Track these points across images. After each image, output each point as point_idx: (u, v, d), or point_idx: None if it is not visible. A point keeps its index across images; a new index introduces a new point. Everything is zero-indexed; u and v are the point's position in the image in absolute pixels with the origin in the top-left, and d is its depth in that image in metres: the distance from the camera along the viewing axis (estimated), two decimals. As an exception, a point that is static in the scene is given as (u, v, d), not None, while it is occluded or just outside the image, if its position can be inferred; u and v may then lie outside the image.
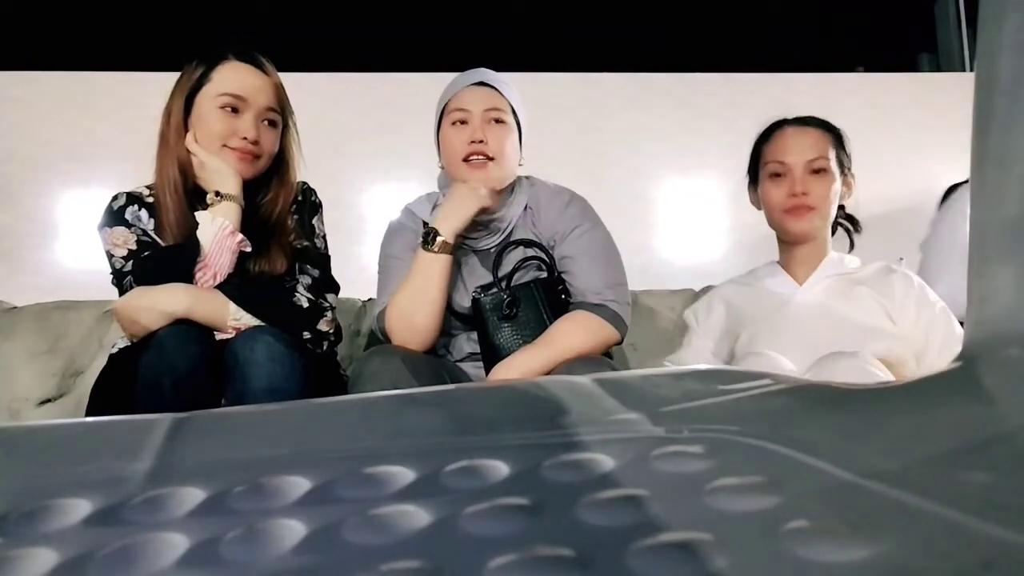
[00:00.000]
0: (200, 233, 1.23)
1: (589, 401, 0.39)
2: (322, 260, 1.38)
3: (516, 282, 1.36)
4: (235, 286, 1.22)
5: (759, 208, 1.46)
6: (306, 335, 1.26)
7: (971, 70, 1.41)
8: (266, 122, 1.31)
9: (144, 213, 1.30)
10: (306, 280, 1.33)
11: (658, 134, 4.22)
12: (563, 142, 4.03)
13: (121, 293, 1.23)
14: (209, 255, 1.22)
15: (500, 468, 0.31)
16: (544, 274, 1.37)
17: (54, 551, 0.26)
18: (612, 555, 0.24)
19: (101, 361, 1.33)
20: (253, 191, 1.34)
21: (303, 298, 1.28)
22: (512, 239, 1.39)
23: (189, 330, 1.12)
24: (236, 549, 0.26)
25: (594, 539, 0.25)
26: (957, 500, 0.25)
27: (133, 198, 1.31)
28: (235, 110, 1.27)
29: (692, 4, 5.42)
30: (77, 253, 3.81)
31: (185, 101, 1.29)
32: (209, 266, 1.22)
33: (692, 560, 0.23)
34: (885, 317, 1.31)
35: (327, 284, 1.37)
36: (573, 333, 1.25)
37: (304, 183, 1.43)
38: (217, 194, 1.26)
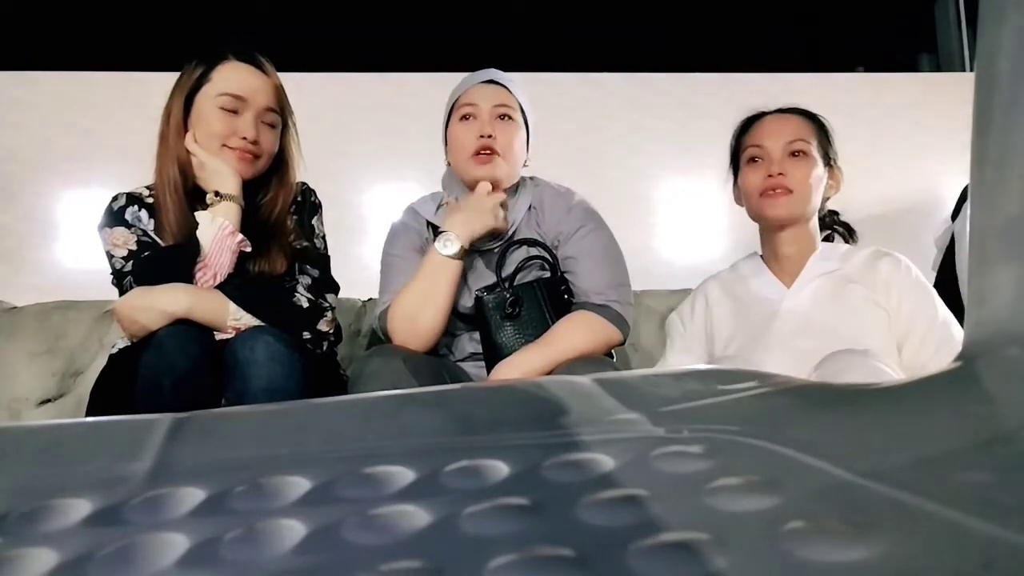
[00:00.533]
0: (200, 233, 1.23)
1: (589, 401, 0.39)
2: (322, 260, 1.38)
3: (519, 281, 1.36)
4: (235, 286, 1.22)
5: (741, 204, 1.43)
6: (306, 335, 1.26)
7: (971, 70, 1.41)
8: (266, 122, 1.31)
9: (144, 213, 1.30)
10: (306, 280, 1.33)
11: (658, 134, 4.22)
12: (563, 142, 4.02)
13: (121, 293, 1.23)
14: (209, 255, 1.22)
15: (500, 468, 0.31)
16: (547, 274, 1.37)
17: (54, 551, 0.26)
18: (612, 555, 0.24)
19: (101, 361, 1.33)
20: (253, 191, 1.34)
21: (303, 298, 1.28)
22: (516, 239, 1.39)
23: (189, 330, 1.12)
24: (236, 549, 0.26)
25: (594, 539, 0.25)
26: (957, 500, 0.25)
27: (133, 198, 1.31)
28: (235, 110, 1.27)
29: (692, 4, 5.42)
30: (77, 253, 3.81)
31: (185, 101, 1.29)
32: (209, 266, 1.22)
33: (692, 560, 0.23)
34: (878, 318, 1.27)
35: (327, 284, 1.37)
36: (575, 333, 1.25)
37: (304, 183, 1.44)
38: (217, 194, 1.26)
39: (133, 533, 0.27)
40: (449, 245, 1.27)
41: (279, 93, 1.34)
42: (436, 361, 1.32)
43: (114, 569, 0.25)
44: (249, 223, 1.29)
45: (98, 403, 1.17)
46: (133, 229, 1.28)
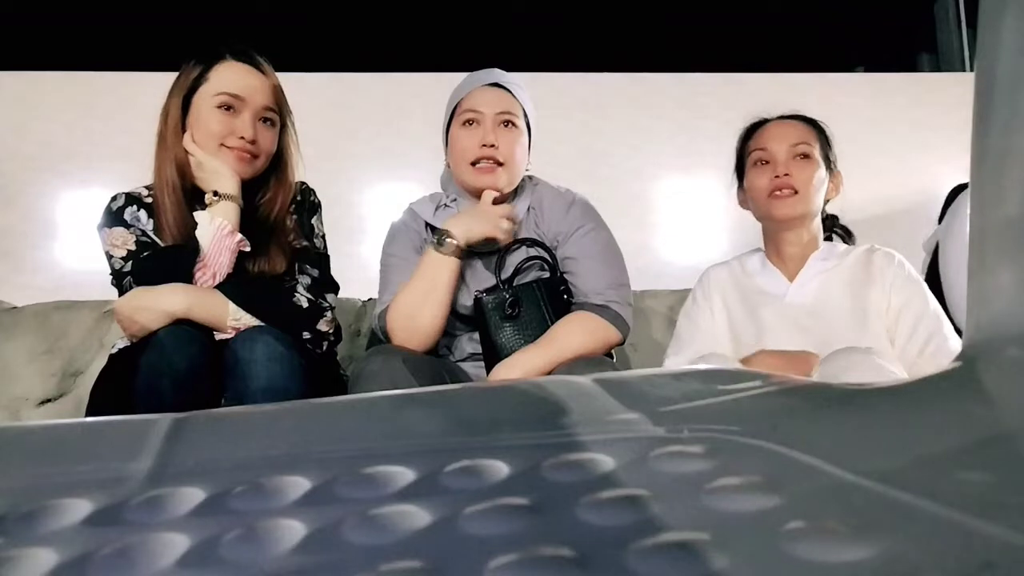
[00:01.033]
0: (199, 233, 1.23)
1: (589, 401, 0.39)
2: (321, 260, 1.38)
3: (518, 282, 1.36)
4: (234, 286, 1.22)
5: (746, 207, 1.48)
6: (306, 335, 1.26)
7: (971, 70, 1.41)
8: (264, 121, 1.31)
9: (143, 213, 1.30)
10: (306, 280, 1.33)
11: (658, 134, 4.22)
12: (563, 142, 4.02)
13: (121, 293, 1.23)
14: (208, 255, 1.22)
15: (500, 468, 0.31)
16: (547, 274, 1.37)
17: (54, 551, 0.26)
18: (612, 555, 0.24)
19: (101, 361, 1.33)
20: (252, 191, 1.33)
21: (303, 298, 1.28)
22: (515, 239, 1.39)
23: (189, 330, 1.12)
24: (236, 549, 0.26)
25: (594, 539, 0.25)
26: (957, 500, 0.25)
27: (132, 198, 1.31)
28: (232, 109, 1.27)
29: (692, 4, 5.42)
30: (77, 253, 3.81)
31: (183, 101, 1.29)
32: (208, 266, 1.22)
33: (692, 560, 0.23)
34: (874, 311, 1.32)
35: (327, 284, 1.37)
36: (575, 333, 1.25)
37: (303, 183, 1.43)
38: (216, 194, 1.25)
39: (133, 533, 0.27)
40: (446, 243, 1.27)
41: (277, 92, 1.34)
42: (436, 361, 1.32)
43: (114, 569, 0.25)
44: (248, 223, 1.29)
45: (98, 403, 1.17)
46: (132, 229, 1.28)
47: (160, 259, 1.24)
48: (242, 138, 1.27)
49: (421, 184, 3.61)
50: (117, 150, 3.80)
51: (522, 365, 1.21)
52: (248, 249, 1.27)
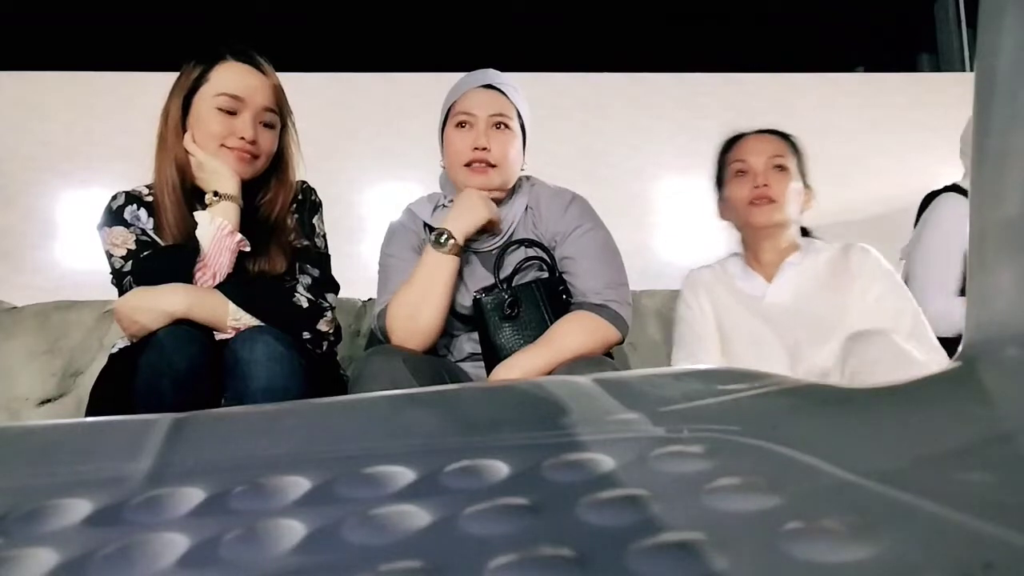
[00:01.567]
0: (199, 233, 1.22)
1: (589, 401, 0.39)
2: (322, 260, 1.38)
3: (517, 282, 1.36)
4: (235, 286, 1.22)
5: (725, 218, 1.55)
6: (306, 335, 1.26)
7: (971, 70, 1.41)
8: (264, 122, 1.31)
9: (143, 213, 1.30)
10: (306, 280, 1.33)
11: (658, 134, 4.22)
12: (563, 142, 4.03)
13: (121, 293, 1.23)
14: (208, 255, 1.22)
15: (500, 468, 0.31)
16: (545, 274, 1.37)
17: (54, 551, 0.26)
18: (612, 555, 0.24)
19: (101, 361, 1.33)
20: (252, 191, 1.33)
21: (303, 298, 1.28)
22: (513, 240, 1.39)
23: (189, 330, 1.12)
24: (236, 549, 0.26)
25: (594, 539, 0.25)
26: (957, 500, 0.25)
27: (132, 198, 1.31)
28: (233, 111, 1.27)
29: (692, 4, 5.42)
30: (77, 253, 3.81)
31: (183, 101, 1.29)
32: (208, 266, 1.22)
33: (692, 560, 0.23)
34: (855, 307, 1.38)
35: (327, 284, 1.37)
36: (574, 333, 1.25)
37: (304, 182, 1.43)
38: (216, 194, 1.25)
39: (133, 533, 0.27)
40: (445, 242, 1.28)
41: (277, 93, 1.34)
42: (436, 361, 1.32)
43: (114, 569, 0.25)
44: (248, 223, 1.29)
45: (98, 403, 1.17)
46: (132, 228, 1.28)
47: (160, 259, 1.24)
48: (242, 139, 1.27)
49: (421, 184, 3.62)
50: (117, 150, 3.80)
51: (522, 365, 1.21)
52: (248, 249, 1.27)
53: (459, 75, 1.43)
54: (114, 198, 1.31)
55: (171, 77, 1.33)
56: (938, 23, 5.36)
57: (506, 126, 1.35)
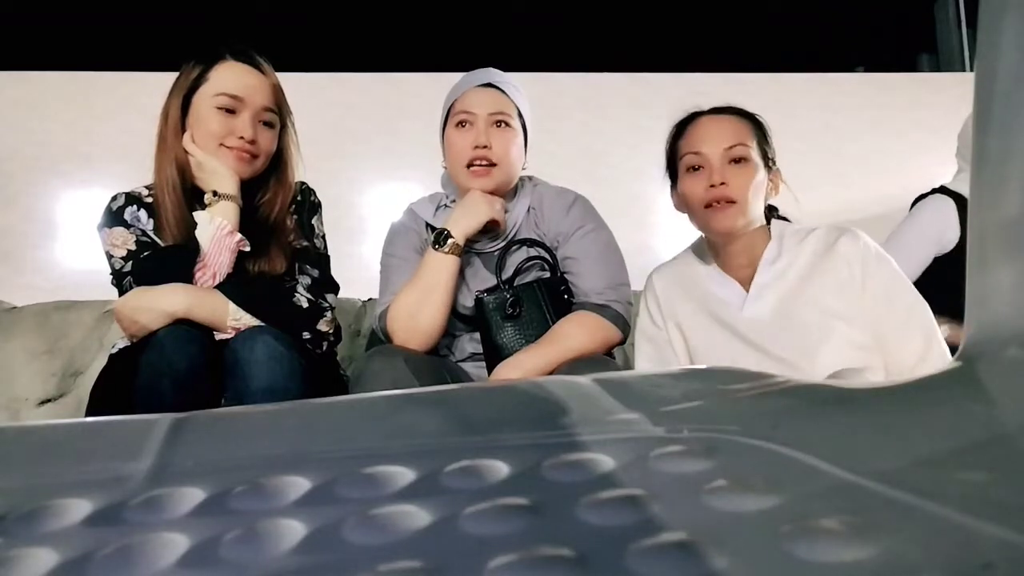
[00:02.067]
0: (198, 233, 1.23)
1: (589, 401, 0.39)
2: (322, 260, 1.38)
3: (519, 282, 1.36)
4: (235, 286, 1.22)
5: (682, 210, 1.35)
6: (306, 335, 1.26)
7: (971, 70, 1.40)
8: (263, 122, 1.31)
9: (143, 213, 1.30)
10: (306, 280, 1.33)
11: (658, 134, 4.22)
12: (563, 142, 4.03)
13: (121, 293, 1.23)
14: (208, 255, 1.22)
15: (500, 468, 0.31)
16: (547, 274, 1.37)
17: (54, 551, 0.26)
18: (612, 555, 0.24)
19: (101, 361, 1.33)
20: (252, 191, 1.34)
21: (303, 298, 1.28)
22: (515, 240, 1.39)
23: (189, 330, 1.12)
24: (236, 549, 0.26)
25: (594, 539, 0.25)
26: (957, 500, 0.25)
27: (132, 198, 1.31)
28: (232, 110, 1.27)
29: (692, 4, 5.42)
30: (77, 253, 3.81)
31: (182, 101, 1.29)
32: (208, 266, 1.22)
33: (692, 560, 0.23)
34: (843, 312, 1.19)
35: (327, 284, 1.37)
36: (575, 333, 1.25)
37: (303, 183, 1.44)
38: (215, 194, 1.26)
39: (133, 533, 0.27)
40: (446, 242, 1.28)
41: (277, 92, 1.34)
42: (437, 361, 1.32)
43: (114, 569, 0.25)
44: (248, 223, 1.29)
45: (98, 403, 1.17)
46: (132, 229, 1.28)
47: (160, 259, 1.24)
48: (241, 138, 1.27)
49: (421, 184, 3.62)
50: (117, 150, 3.81)
51: (523, 365, 1.21)
52: (248, 249, 1.27)
53: (459, 75, 1.43)
54: (114, 199, 1.31)
55: (171, 77, 1.33)
56: (938, 23, 5.37)
57: (507, 124, 1.35)
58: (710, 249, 1.35)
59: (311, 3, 5.15)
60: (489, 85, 1.37)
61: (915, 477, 0.28)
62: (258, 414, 0.44)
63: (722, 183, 1.22)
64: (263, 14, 4.95)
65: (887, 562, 0.22)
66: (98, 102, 3.99)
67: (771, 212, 1.36)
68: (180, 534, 0.27)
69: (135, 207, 1.30)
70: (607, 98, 4.31)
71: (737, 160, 1.23)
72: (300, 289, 1.30)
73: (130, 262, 1.25)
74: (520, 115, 1.39)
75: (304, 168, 1.42)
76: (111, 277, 1.28)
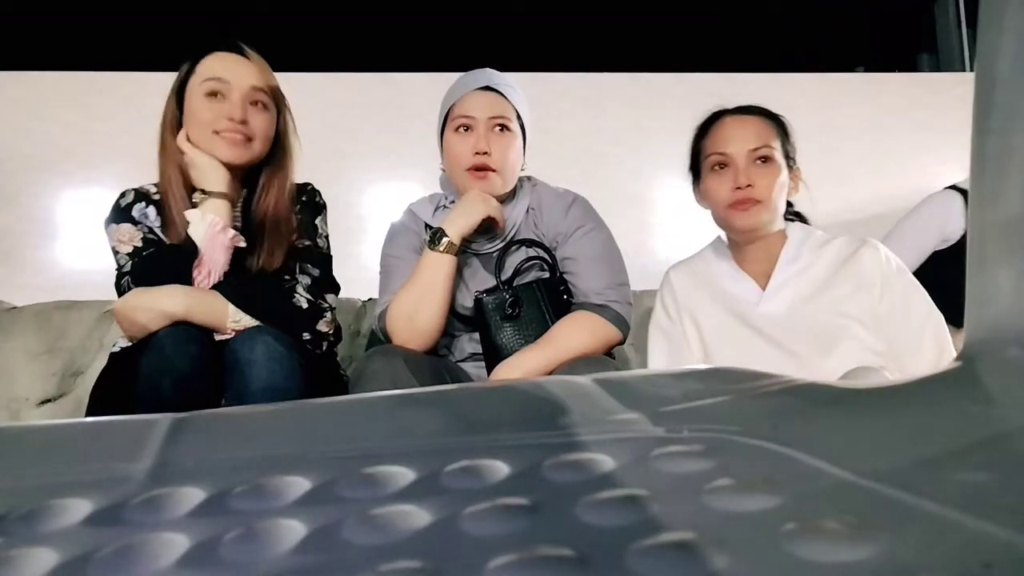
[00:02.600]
0: (191, 231, 1.22)
1: (589, 401, 0.39)
2: (323, 260, 1.38)
3: (518, 282, 1.36)
4: (234, 287, 1.22)
5: (704, 205, 1.37)
6: (305, 336, 1.26)
7: (971, 70, 1.41)
8: (256, 104, 1.31)
9: (152, 210, 1.30)
10: (306, 280, 1.33)
11: (658, 134, 4.22)
12: (563, 142, 4.03)
13: (120, 293, 1.23)
14: (203, 253, 1.22)
15: (500, 468, 0.31)
16: (546, 274, 1.37)
17: (54, 551, 0.26)
18: (612, 555, 0.24)
19: (101, 361, 1.34)
20: (251, 184, 1.34)
21: (302, 299, 1.28)
22: (515, 240, 1.39)
23: (189, 331, 1.12)
24: (236, 549, 0.26)
25: (594, 539, 0.25)
26: (957, 500, 0.25)
27: (141, 195, 1.31)
28: (220, 94, 1.27)
29: (692, 4, 5.42)
30: (77, 253, 3.81)
31: (177, 100, 1.30)
32: (204, 264, 1.22)
33: (692, 560, 0.23)
34: (859, 316, 1.20)
35: (327, 284, 1.37)
36: (575, 333, 1.25)
37: (309, 184, 1.44)
38: (204, 192, 1.26)
39: (133, 533, 0.27)
40: (440, 242, 1.28)
41: (266, 74, 1.33)
42: (437, 361, 1.32)
43: (114, 569, 0.25)
44: (248, 216, 1.29)
45: (98, 403, 1.17)
46: (139, 226, 1.28)
47: (158, 260, 1.24)
48: (231, 119, 1.27)
49: (421, 184, 3.62)
50: (117, 150, 3.80)
51: (523, 365, 1.21)
52: (243, 245, 1.27)
53: (459, 75, 1.42)
54: (123, 195, 1.32)
55: (171, 77, 1.34)
56: (938, 23, 5.36)
57: (506, 128, 1.35)
58: (728, 247, 1.37)
59: (311, 3, 5.15)
60: (488, 88, 1.36)
61: (915, 477, 0.28)
62: (258, 414, 0.44)
63: (748, 184, 1.24)
64: (263, 14, 4.95)
65: (887, 562, 0.22)
66: (98, 102, 3.99)
67: (787, 208, 1.37)
68: (180, 534, 0.27)
69: (144, 204, 1.30)
70: (607, 98, 4.31)
71: (762, 160, 1.26)
72: (300, 289, 1.30)
73: (133, 259, 1.25)
74: (519, 117, 1.39)
75: (304, 165, 1.42)
76: (115, 276, 1.28)
